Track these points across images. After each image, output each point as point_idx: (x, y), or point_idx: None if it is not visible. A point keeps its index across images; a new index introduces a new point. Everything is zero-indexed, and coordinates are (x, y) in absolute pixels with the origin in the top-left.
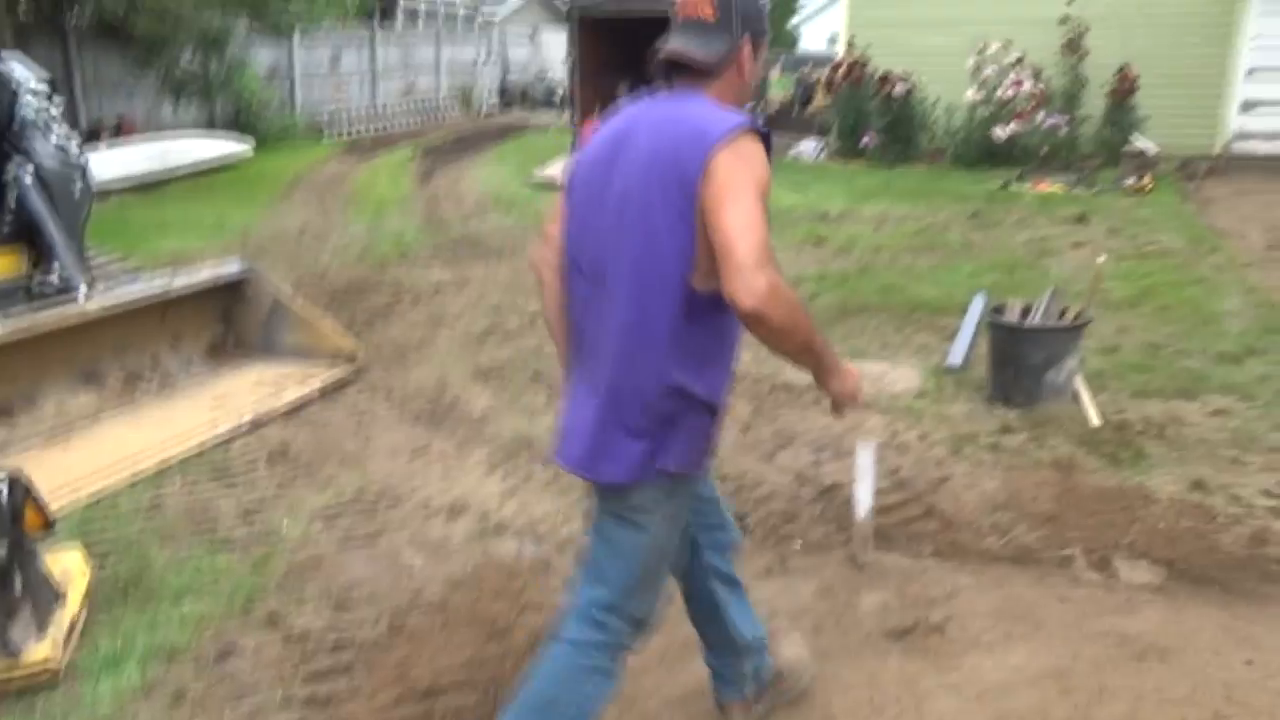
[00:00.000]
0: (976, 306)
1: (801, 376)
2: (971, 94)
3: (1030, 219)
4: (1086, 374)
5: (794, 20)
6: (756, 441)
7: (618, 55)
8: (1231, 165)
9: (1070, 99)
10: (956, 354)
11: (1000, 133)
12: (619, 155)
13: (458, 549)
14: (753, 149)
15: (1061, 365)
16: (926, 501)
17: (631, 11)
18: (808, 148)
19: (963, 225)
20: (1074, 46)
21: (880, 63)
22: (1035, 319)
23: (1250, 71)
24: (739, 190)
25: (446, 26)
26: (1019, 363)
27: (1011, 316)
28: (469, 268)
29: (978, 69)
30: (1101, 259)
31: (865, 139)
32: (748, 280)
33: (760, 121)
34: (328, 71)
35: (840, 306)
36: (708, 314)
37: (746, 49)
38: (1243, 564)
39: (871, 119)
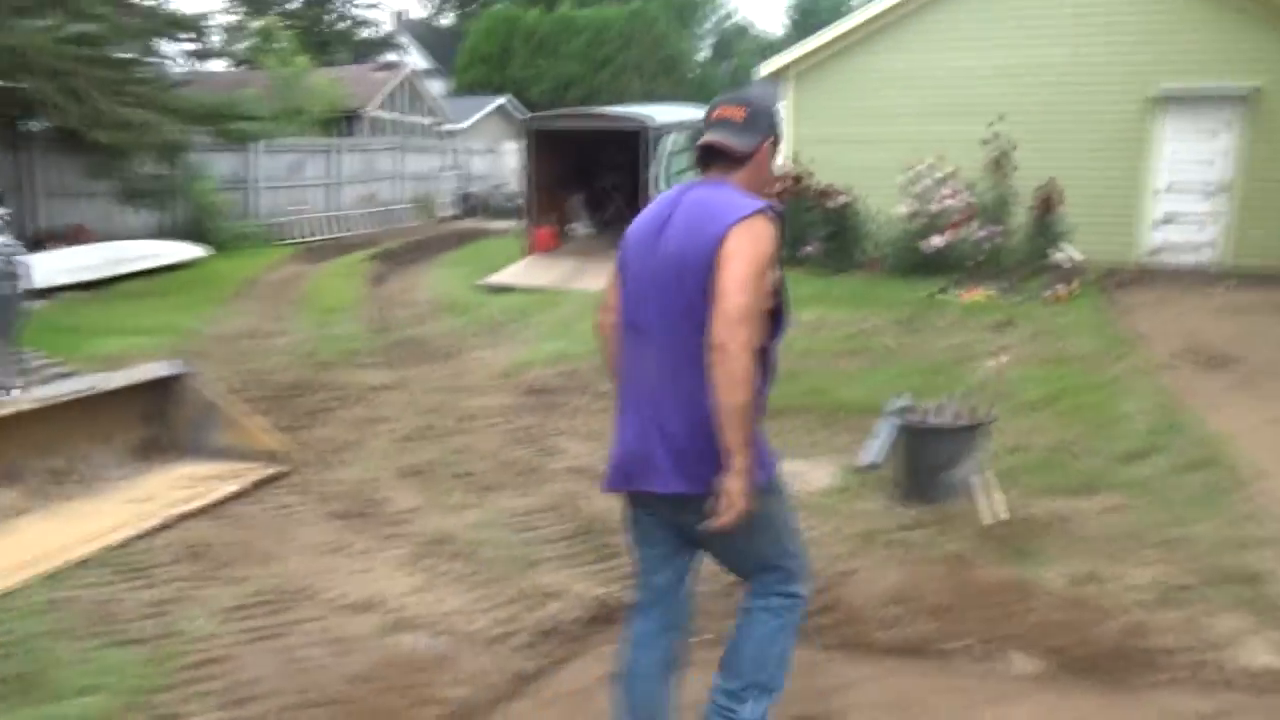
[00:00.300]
0: (891, 405)
1: None
2: (905, 207)
3: (956, 325)
4: (997, 471)
5: None
6: None
7: (570, 168)
8: (1151, 275)
9: (999, 212)
10: (869, 453)
11: (934, 243)
12: (663, 233)
13: (361, 644)
14: (763, 227)
15: (965, 462)
16: (832, 595)
17: (582, 128)
18: None
19: (893, 331)
20: (1000, 163)
21: (822, 177)
22: (940, 419)
23: (1167, 187)
24: (741, 258)
25: (408, 138)
26: (924, 461)
27: (918, 418)
28: (410, 369)
29: (911, 184)
30: (1003, 360)
31: (807, 248)
32: (726, 326)
33: (778, 206)
34: (289, 179)
35: (774, 409)
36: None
37: (767, 146)
38: (1118, 655)
39: (813, 229)
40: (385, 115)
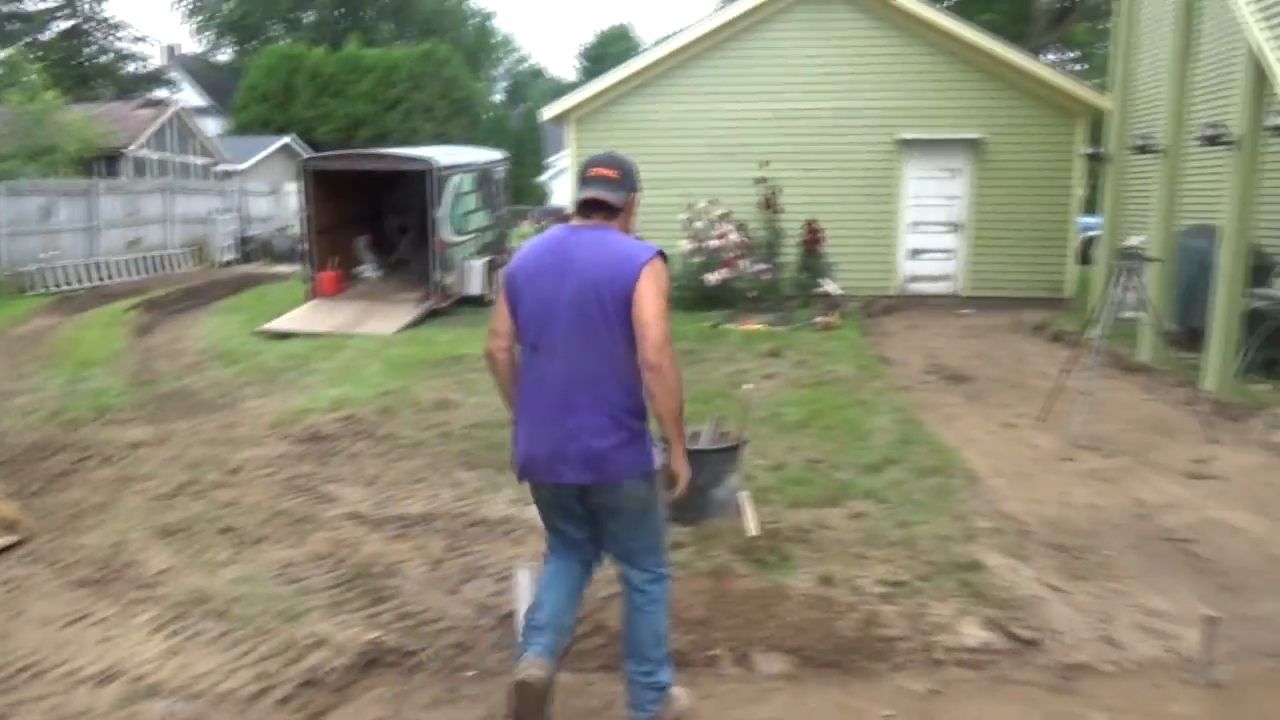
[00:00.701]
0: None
1: (493, 514)
2: (685, 245)
3: (733, 355)
4: (755, 489)
5: (543, 177)
6: (446, 575)
7: (352, 209)
8: (906, 303)
9: (771, 248)
10: None
11: (713, 278)
12: (565, 268)
13: (100, 718)
14: (661, 268)
15: (723, 483)
16: (595, 619)
17: (363, 169)
18: None
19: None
20: (770, 203)
21: None
22: (700, 442)
23: (912, 224)
24: (653, 295)
25: (179, 179)
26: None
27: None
28: (174, 424)
29: (690, 223)
30: (749, 387)
31: None
32: (656, 350)
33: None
34: (38, 224)
35: None
36: (633, 368)
37: (634, 198)
38: (855, 646)
39: None
40: (152, 155)
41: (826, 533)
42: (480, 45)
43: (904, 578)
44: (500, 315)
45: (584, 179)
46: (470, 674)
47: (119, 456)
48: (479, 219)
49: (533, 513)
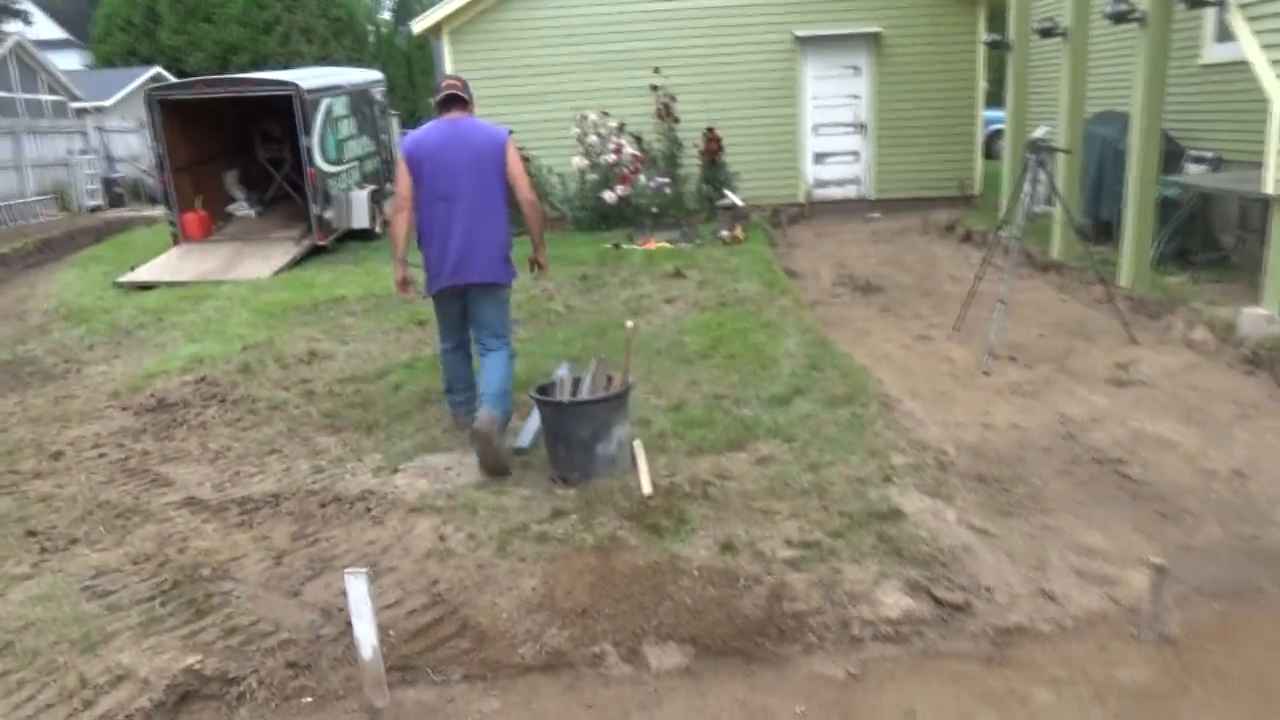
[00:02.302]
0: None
1: (353, 488)
2: (578, 161)
3: (634, 278)
4: (650, 436)
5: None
6: (289, 573)
7: (218, 142)
8: (814, 211)
9: (670, 160)
10: (524, 436)
11: (610, 196)
12: (451, 140)
13: None
14: (513, 143)
15: (609, 436)
16: (461, 616)
17: (221, 97)
18: None
19: (569, 290)
20: (667, 112)
21: None
22: (581, 392)
23: (815, 127)
24: (517, 158)
25: (29, 119)
26: (568, 439)
27: (563, 391)
28: None
29: (582, 137)
30: (630, 325)
31: None
32: (528, 192)
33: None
34: None
35: (424, 395)
36: (505, 207)
37: (473, 104)
38: (761, 627)
39: None
40: None
41: (729, 484)
42: None
43: (815, 536)
44: (402, 181)
45: (440, 89)
46: (308, 700)
47: None
48: (358, 146)
49: (398, 483)
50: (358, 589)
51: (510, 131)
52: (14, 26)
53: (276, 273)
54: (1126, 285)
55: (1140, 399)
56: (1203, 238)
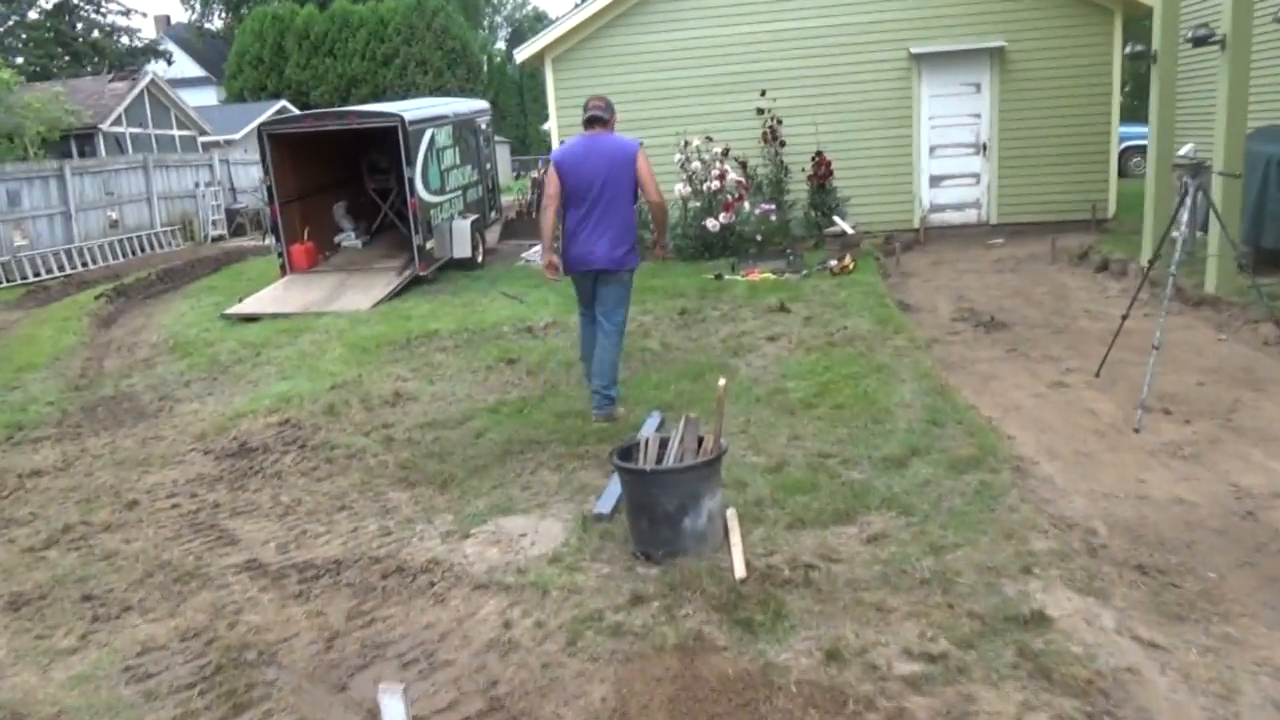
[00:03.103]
0: (646, 429)
1: (418, 556)
2: (680, 188)
3: (735, 312)
4: (747, 502)
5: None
6: (339, 660)
7: (326, 174)
8: (930, 237)
9: (777, 186)
10: (606, 500)
11: (712, 224)
12: (591, 152)
13: None
14: (643, 152)
15: (699, 508)
16: (488, 696)
17: (328, 130)
18: (536, 253)
19: (667, 326)
20: (774, 135)
21: None
22: (668, 457)
23: (932, 149)
24: (647, 166)
25: (160, 154)
26: (651, 511)
27: (646, 456)
28: (92, 439)
29: (685, 164)
30: (722, 383)
31: None
32: (656, 194)
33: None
34: (6, 212)
35: (506, 444)
36: (633, 209)
37: (614, 118)
38: None
39: None
40: (129, 130)
41: (835, 568)
42: None
43: (940, 646)
44: (551, 183)
45: (587, 108)
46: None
47: (4, 492)
48: (461, 175)
49: (467, 551)
50: (394, 706)
51: (641, 143)
52: (158, 66)
53: (376, 304)
54: None
55: None
56: None
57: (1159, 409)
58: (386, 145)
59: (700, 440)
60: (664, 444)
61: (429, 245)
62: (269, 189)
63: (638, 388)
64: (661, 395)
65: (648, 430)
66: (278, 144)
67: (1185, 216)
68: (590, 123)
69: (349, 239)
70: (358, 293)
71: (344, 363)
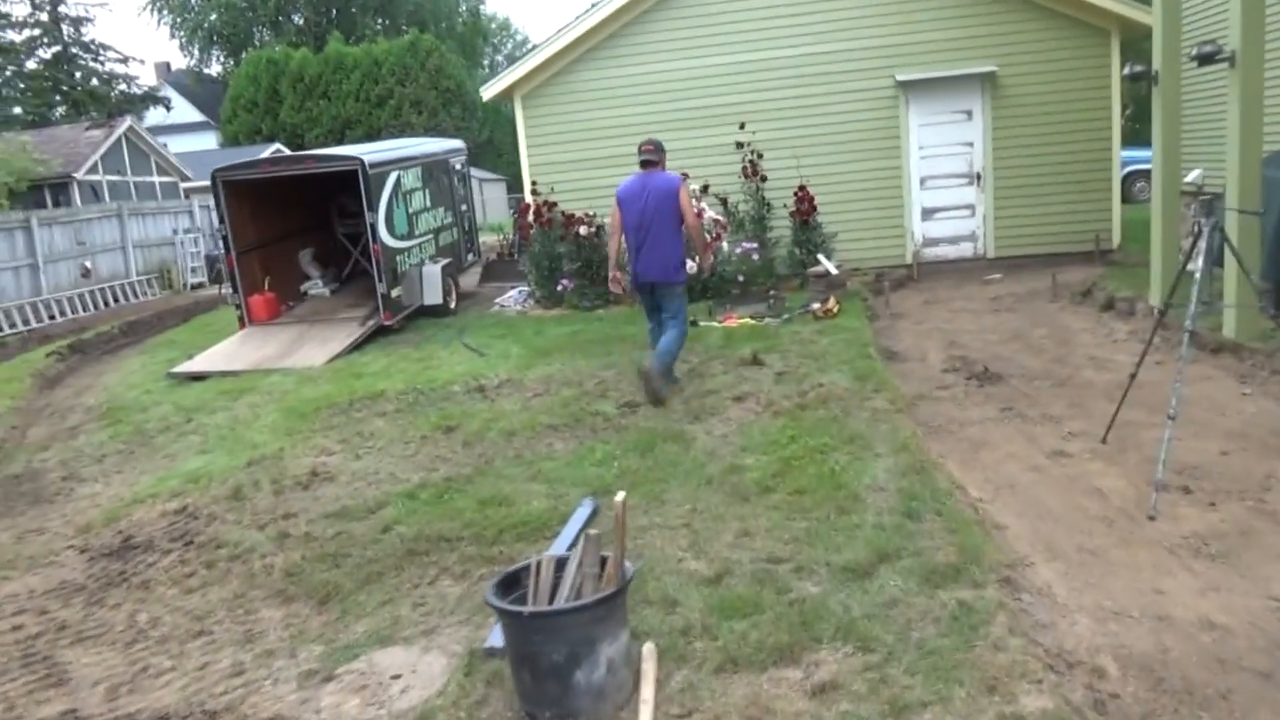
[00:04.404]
0: (571, 526)
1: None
2: None
3: (704, 365)
4: (673, 629)
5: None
6: None
7: (291, 220)
8: (924, 273)
9: (759, 223)
10: (495, 633)
11: (691, 265)
12: (645, 189)
13: None
14: (685, 185)
15: (595, 657)
16: None
17: (283, 174)
18: (512, 297)
19: (628, 383)
20: (752, 171)
21: (570, 204)
22: (562, 589)
23: (923, 180)
24: (687, 197)
25: (135, 202)
26: (534, 663)
27: (537, 587)
28: None
29: None
30: (620, 496)
31: (561, 284)
32: (694, 220)
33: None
34: None
35: (413, 541)
36: (680, 233)
37: (664, 156)
38: None
39: (564, 263)
40: (106, 178)
41: None
42: (474, 33)
43: None
44: (615, 216)
45: (641, 151)
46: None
47: None
48: (433, 218)
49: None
50: None
51: (684, 177)
52: (158, 112)
53: (332, 359)
54: None
55: None
56: None
57: (1177, 486)
58: (356, 189)
59: (603, 565)
60: (560, 568)
61: (395, 293)
62: (224, 238)
63: (577, 465)
64: (602, 475)
65: (574, 524)
66: (233, 191)
67: (1200, 261)
68: (644, 164)
69: (316, 287)
70: (314, 346)
71: (273, 432)
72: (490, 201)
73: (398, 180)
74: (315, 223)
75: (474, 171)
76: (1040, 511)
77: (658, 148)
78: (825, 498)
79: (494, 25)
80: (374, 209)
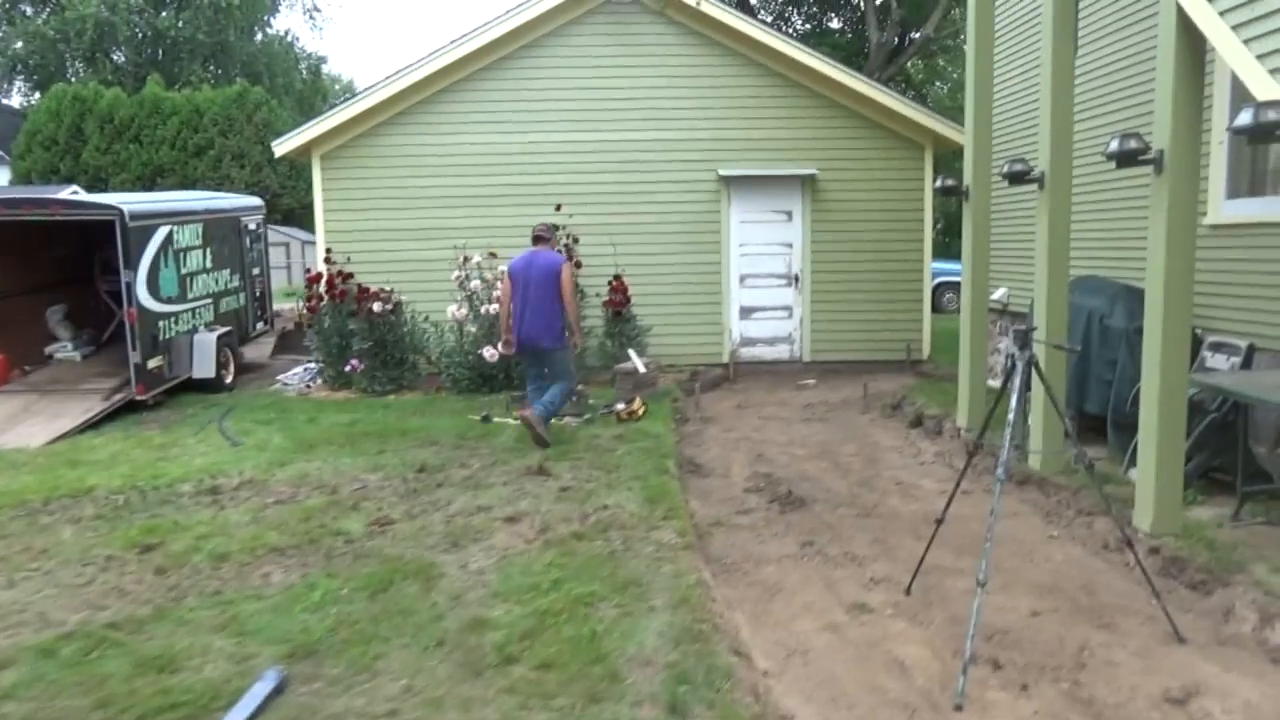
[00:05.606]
0: (237, 715)
1: None
2: (454, 310)
3: (484, 473)
4: None
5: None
6: None
7: (31, 273)
8: (741, 372)
9: None
10: None
11: (490, 354)
12: (531, 264)
13: None
14: (569, 265)
15: None
16: None
17: (21, 218)
18: (298, 375)
19: (391, 491)
20: (568, 255)
21: (368, 277)
22: None
23: (742, 278)
24: (568, 276)
25: None
26: None
27: None
28: None
29: (463, 281)
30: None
31: (350, 364)
32: (570, 297)
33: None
34: None
35: None
36: (560, 304)
37: (555, 237)
38: None
39: (355, 341)
40: None
41: None
42: (314, 91)
43: None
44: (505, 287)
45: (534, 230)
46: None
47: None
48: (213, 281)
49: None
50: None
51: (567, 259)
52: None
53: (56, 439)
54: (1147, 529)
55: None
56: (1241, 454)
57: (986, 659)
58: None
59: None
60: None
61: (153, 364)
62: None
63: (286, 609)
64: (311, 627)
65: (241, 711)
66: None
67: (1014, 400)
68: (536, 240)
69: (65, 350)
70: (39, 423)
71: None
72: (311, 265)
73: (169, 236)
74: (72, 276)
75: (294, 233)
76: (832, 694)
77: (550, 229)
78: (577, 675)
79: (337, 87)
80: (133, 266)
